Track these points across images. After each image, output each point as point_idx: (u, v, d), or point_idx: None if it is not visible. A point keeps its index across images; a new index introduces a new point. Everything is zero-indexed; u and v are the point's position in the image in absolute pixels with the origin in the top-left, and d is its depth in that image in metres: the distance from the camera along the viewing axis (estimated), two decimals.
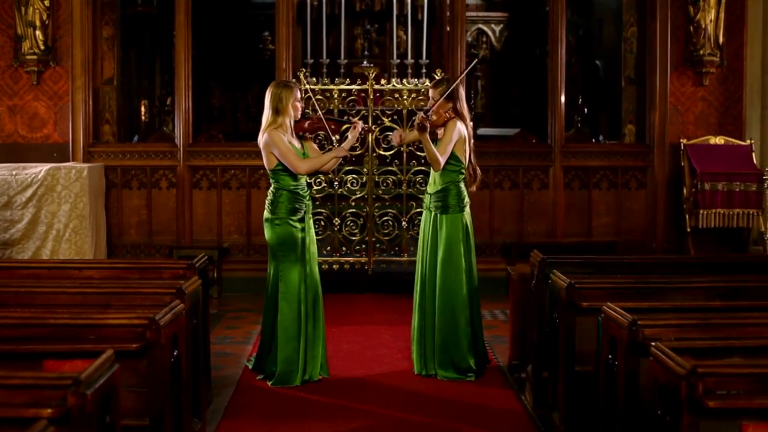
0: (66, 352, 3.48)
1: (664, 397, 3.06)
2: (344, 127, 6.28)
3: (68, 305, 4.29)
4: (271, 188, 5.91)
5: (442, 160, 5.94)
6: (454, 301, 5.97)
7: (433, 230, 6.05)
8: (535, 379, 5.33)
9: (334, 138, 6.25)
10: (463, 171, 6.06)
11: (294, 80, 7.68)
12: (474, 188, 6.19)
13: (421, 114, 5.99)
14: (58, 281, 4.87)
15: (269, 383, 5.79)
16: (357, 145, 8.67)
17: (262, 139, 5.86)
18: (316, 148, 6.20)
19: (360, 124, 6.12)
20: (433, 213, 6.06)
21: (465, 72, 7.03)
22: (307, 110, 6.32)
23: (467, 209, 6.09)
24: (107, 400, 2.88)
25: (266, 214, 5.90)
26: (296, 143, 5.90)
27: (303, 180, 5.92)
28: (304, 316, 5.81)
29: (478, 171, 6.19)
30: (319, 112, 6.08)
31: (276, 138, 5.77)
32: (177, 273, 5.06)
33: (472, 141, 6.16)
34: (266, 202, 5.92)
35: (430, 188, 6.12)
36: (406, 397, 5.59)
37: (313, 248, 6.00)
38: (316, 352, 5.89)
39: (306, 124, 6.00)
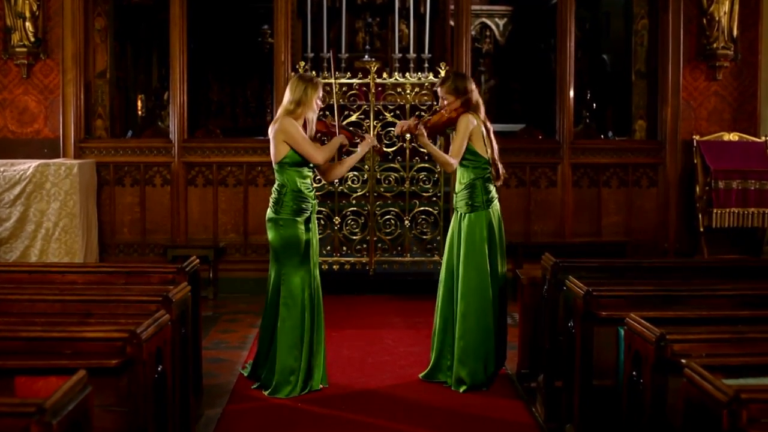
0: (39, 369, 3.18)
1: (700, 424, 2.75)
2: (356, 140, 5.95)
3: (46, 314, 3.98)
4: (276, 185, 5.56)
5: (453, 161, 5.63)
6: (477, 305, 5.59)
7: (458, 230, 5.71)
8: (547, 391, 5.03)
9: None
10: (487, 166, 5.69)
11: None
12: (497, 185, 5.81)
13: (411, 122, 5.77)
14: (38, 287, 4.55)
15: (265, 393, 5.47)
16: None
17: (273, 127, 5.53)
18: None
19: (371, 140, 5.86)
20: (459, 213, 5.73)
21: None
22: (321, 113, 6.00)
23: (495, 206, 5.73)
24: (77, 428, 2.57)
25: (269, 213, 5.56)
26: None
27: (309, 178, 5.61)
28: (309, 323, 5.49)
29: (500, 167, 5.76)
30: (337, 120, 5.88)
31: (290, 126, 5.45)
32: (166, 278, 4.75)
33: (492, 134, 5.78)
34: (270, 200, 5.59)
35: (456, 188, 5.79)
36: (410, 409, 5.28)
37: (317, 251, 5.71)
38: (319, 361, 5.58)
39: (319, 126, 5.73)
